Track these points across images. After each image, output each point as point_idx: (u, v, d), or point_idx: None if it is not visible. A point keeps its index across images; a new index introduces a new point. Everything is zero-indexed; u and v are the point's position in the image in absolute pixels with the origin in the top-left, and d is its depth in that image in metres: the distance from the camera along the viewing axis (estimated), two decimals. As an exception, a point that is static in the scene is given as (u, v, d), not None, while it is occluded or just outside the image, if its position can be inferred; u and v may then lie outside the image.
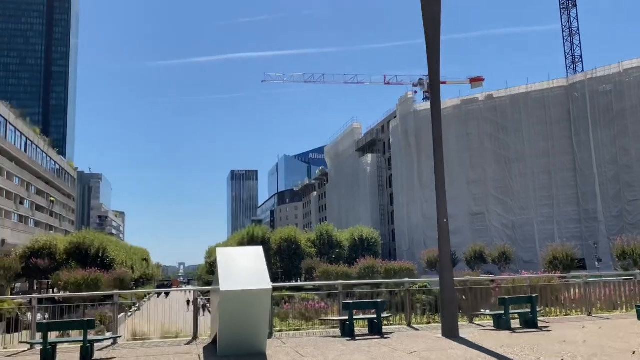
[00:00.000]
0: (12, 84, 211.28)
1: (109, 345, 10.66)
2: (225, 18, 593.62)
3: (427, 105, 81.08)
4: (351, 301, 11.56)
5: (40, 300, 13.64)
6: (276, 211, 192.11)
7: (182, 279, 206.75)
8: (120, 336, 10.94)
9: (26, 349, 10.17)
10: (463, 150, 72.98)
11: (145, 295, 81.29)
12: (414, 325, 12.69)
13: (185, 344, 11.01)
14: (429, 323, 13.28)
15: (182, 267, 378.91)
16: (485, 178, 71.88)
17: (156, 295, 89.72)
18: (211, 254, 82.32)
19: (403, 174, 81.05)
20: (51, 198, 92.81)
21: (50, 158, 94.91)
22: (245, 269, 9.39)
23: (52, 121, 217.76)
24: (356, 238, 64.31)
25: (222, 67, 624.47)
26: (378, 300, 12.03)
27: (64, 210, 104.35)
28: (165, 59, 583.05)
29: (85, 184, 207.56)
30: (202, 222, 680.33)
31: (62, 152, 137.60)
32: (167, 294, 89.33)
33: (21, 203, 76.68)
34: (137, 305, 52.72)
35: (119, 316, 31.93)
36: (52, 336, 9.97)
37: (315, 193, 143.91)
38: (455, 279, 12.10)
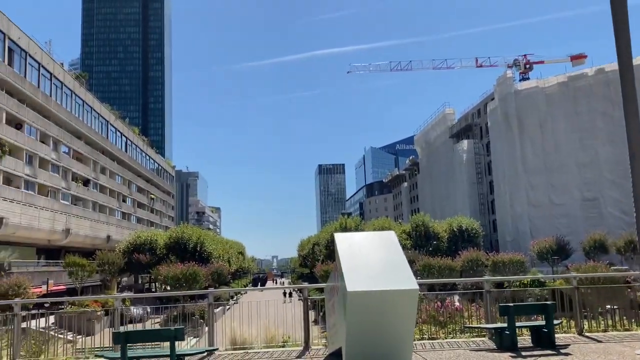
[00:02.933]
0: (113, 91, 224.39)
1: (204, 358, 8.64)
2: (309, 15, 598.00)
3: (529, 84, 74.72)
4: (512, 304, 8.75)
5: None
6: (365, 203, 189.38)
7: (275, 271, 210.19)
8: (217, 349, 8.90)
9: None
10: (572, 131, 66.43)
11: (242, 287, 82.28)
12: (587, 334, 9.65)
13: (296, 357, 8.78)
14: (605, 331, 10.15)
15: (275, 260, 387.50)
16: (598, 160, 64.93)
17: (252, 286, 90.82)
18: (303, 247, 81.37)
19: (504, 159, 75.25)
20: (151, 195, 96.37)
21: (150, 157, 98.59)
22: (378, 262, 6.97)
23: (150, 124, 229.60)
24: (455, 229, 60.25)
25: (307, 64, 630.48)
26: (547, 302, 9.12)
27: (164, 207, 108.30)
28: (253, 60, 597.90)
29: (183, 181, 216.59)
30: (293, 216, 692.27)
31: (160, 152, 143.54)
32: (262, 285, 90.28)
33: (124, 201, 79.87)
34: (234, 299, 52.59)
35: (216, 311, 30.71)
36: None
37: (405, 184, 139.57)
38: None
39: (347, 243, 7.53)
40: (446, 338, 10.00)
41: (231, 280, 73.80)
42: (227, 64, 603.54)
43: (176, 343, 7.00)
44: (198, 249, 53.86)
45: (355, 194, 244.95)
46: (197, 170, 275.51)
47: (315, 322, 11.08)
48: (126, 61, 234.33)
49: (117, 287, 67.00)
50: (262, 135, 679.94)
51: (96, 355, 7.97)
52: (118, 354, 6.99)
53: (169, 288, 47.25)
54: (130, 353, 7.28)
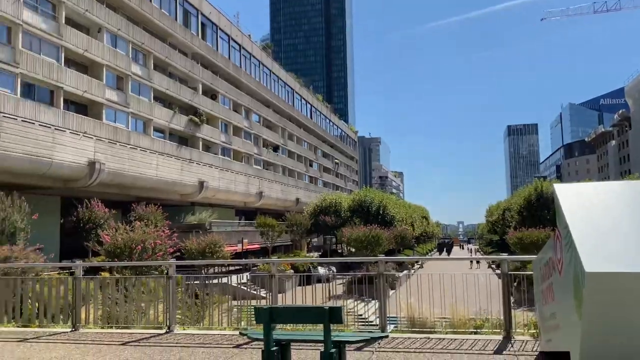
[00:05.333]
0: (300, 62, 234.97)
1: (377, 342, 6.88)
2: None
3: None
4: None
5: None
6: (563, 166, 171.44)
7: (461, 237, 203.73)
8: (387, 335, 7.06)
9: (246, 340, 7.15)
10: None
11: (427, 253, 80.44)
12: None
13: (494, 352, 6.53)
14: None
15: (461, 225, 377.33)
16: None
17: (437, 253, 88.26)
18: (492, 213, 76.04)
19: None
20: (336, 160, 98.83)
21: (333, 123, 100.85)
22: (633, 228, 4.39)
23: (334, 92, 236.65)
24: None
25: (491, 20, 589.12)
26: None
27: (348, 171, 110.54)
28: (433, 20, 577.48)
29: (365, 147, 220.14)
30: (479, 181, 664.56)
31: (344, 119, 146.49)
32: (448, 252, 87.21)
33: (310, 165, 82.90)
34: (419, 263, 51.02)
35: (400, 274, 29.05)
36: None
37: (613, 142, 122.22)
38: None
39: (576, 198, 4.99)
40: None
41: (415, 245, 72.31)
42: (406, 29, 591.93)
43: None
44: (381, 212, 53.07)
45: (550, 155, 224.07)
46: (379, 136, 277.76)
47: (515, 302, 8.59)
48: (310, 32, 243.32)
49: (307, 247, 70.20)
50: (444, 99, 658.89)
51: (240, 333, 6.69)
52: (261, 335, 5.55)
53: (352, 250, 47.45)
54: (277, 334, 5.81)
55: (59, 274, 22.87)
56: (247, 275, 35.58)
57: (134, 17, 39.99)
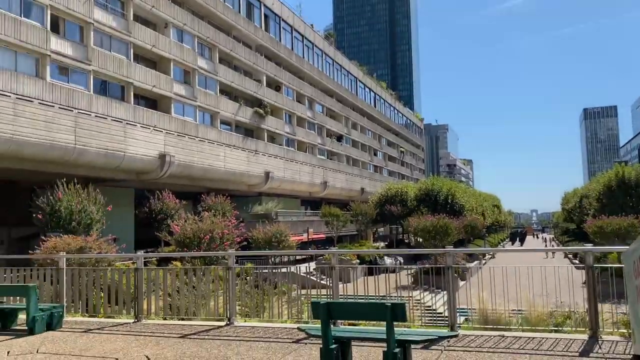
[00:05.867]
0: (363, 50, 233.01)
1: (446, 340, 6.36)
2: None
3: None
4: None
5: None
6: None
7: (535, 226, 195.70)
8: (457, 334, 6.48)
9: (303, 335, 6.80)
10: None
11: (499, 242, 77.62)
12: None
13: (579, 354, 5.85)
14: None
15: (534, 214, 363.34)
16: None
17: (510, 242, 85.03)
18: (568, 200, 72.10)
19: None
20: (401, 149, 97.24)
21: (398, 111, 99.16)
22: None
23: (399, 79, 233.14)
24: None
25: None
26: None
27: (414, 159, 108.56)
28: (502, 2, 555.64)
29: (432, 134, 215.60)
30: (554, 168, 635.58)
31: (409, 106, 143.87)
32: (521, 241, 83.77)
33: (375, 154, 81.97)
34: (491, 254, 49.16)
35: (471, 264, 27.92)
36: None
37: None
38: None
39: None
40: None
41: (486, 234, 69.93)
42: (475, 9, 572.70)
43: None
44: (449, 201, 51.57)
45: (632, 138, 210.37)
46: (447, 123, 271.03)
47: (600, 297, 7.77)
48: (373, 19, 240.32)
49: (373, 237, 69.60)
50: (514, 82, 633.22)
51: (299, 328, 6.35)
52: (319, 332, 5.19)
53: (420, 240, 46.41)
54: (337, 330, 5.43)
55: (133, 263, 23.81)
56: (313, 265, 35.70)
57: (199, 11, 40.70)
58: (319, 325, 5.29)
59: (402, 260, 44.43)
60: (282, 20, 52.79)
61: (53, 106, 26.37)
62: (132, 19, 33.07)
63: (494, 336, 6.77)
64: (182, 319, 8.65)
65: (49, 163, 26.54)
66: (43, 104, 25.92)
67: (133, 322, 8.64)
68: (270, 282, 9.32)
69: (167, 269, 9.25)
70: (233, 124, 44.34)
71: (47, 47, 26.88)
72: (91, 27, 29.75)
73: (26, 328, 7.94)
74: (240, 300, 8.53)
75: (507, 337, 6.74)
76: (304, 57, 57.85)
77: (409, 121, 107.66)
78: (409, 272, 17.22)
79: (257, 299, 8.98)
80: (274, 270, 10.03)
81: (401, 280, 14.58)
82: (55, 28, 27.96)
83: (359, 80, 76.63)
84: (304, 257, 31.38)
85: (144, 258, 9.19)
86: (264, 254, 28.08)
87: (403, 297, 10.13)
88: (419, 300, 13.69)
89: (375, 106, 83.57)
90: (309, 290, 9.77)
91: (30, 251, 17.89)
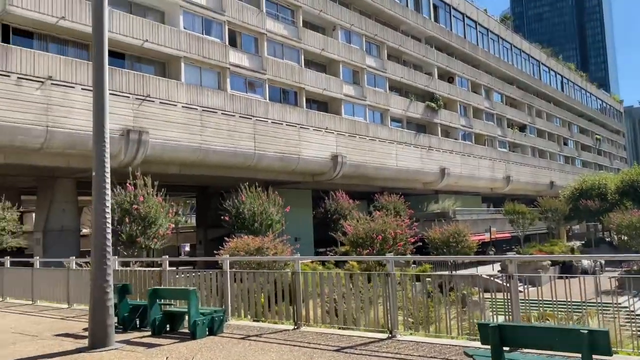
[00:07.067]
0: (546, 33, 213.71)
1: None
2: None
3: None
4: None
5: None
6: None
7: None
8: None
9: None
10: None
11: None
12: None
13: None
14: None
15: None
16: None
17: None
18: None
19: None
20: (596, 136, 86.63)
21: (591, 94, 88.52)
22: None
23: (590, 59, 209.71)
24: None
25: None
26: None
27: (613, 147, 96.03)
28: None
29: (635, 118, 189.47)
30: None
31: (604, 88, 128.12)
32: None
33: (565, 144, 74.08)
34: None
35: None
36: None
37: None
38: None
39: None
40: None
41: None
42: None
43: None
44: (661, 192, 44.29)
45: None
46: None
47: None
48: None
49: (567, 236, 62.79)
50: None
51: (465, 353, 5.12)
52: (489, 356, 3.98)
53: (624, 238, 40.41)
54: (511, 357, 4.15)
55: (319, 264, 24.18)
56: (497, 266, 33.02)
57: (366, 9, 40.57)
58: (489, 352, 4.09)
59: (602, 262, 39.04)
60: (453, 8, 50.30)
61: (234, 115, 28.20)
62: (301, 25, 34.08)
63: None
64: (342, 328, 7.95)
65: (232, 168, 28.43)
66: (225, 114, 27.85)
67: (292, 329, 8.18)
68: (445, 287, 8.12)
69: (325, 272, 8.64)
70: (404, 120, 43.35)
71: (227, 60, 28.85)
72: (264, 38, 31.26)
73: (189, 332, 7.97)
74: (402, 310, 7.47)
75: None
76: (478, 44, 54.49)
77: (605, 104, 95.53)
78: (614, 275, 14.45)
79: (424, 308, 7.87)
80: (452, 273, 8.82)
81: (601, 284, 12.12)
82: (232, 42, 29.93)
83: (542, 64, 69.92)
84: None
85: (300, 261, 8.69)
86: (429, 259, 26.63)
87: (606, 304, 8.10)
88: (627, 309, 11.39)
89: (562, 90, 75.58)
90: (493, 294, 8.31)
91: (214, 251, 19.13)
